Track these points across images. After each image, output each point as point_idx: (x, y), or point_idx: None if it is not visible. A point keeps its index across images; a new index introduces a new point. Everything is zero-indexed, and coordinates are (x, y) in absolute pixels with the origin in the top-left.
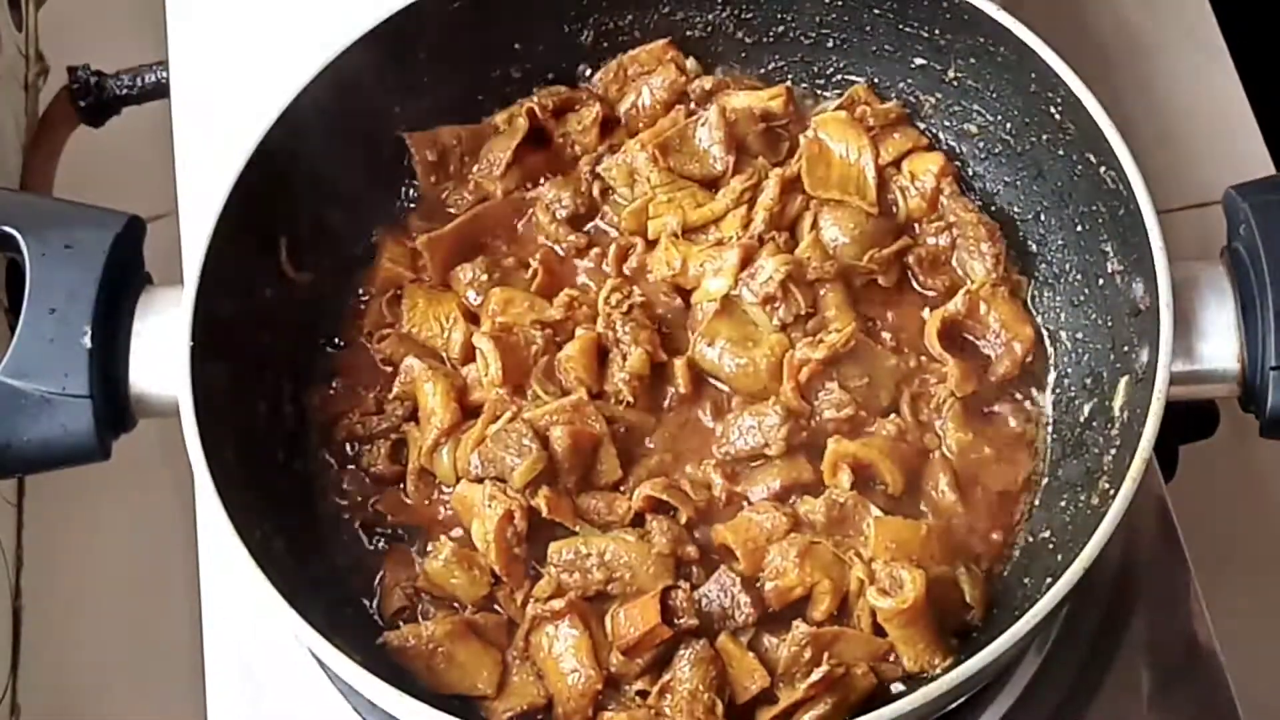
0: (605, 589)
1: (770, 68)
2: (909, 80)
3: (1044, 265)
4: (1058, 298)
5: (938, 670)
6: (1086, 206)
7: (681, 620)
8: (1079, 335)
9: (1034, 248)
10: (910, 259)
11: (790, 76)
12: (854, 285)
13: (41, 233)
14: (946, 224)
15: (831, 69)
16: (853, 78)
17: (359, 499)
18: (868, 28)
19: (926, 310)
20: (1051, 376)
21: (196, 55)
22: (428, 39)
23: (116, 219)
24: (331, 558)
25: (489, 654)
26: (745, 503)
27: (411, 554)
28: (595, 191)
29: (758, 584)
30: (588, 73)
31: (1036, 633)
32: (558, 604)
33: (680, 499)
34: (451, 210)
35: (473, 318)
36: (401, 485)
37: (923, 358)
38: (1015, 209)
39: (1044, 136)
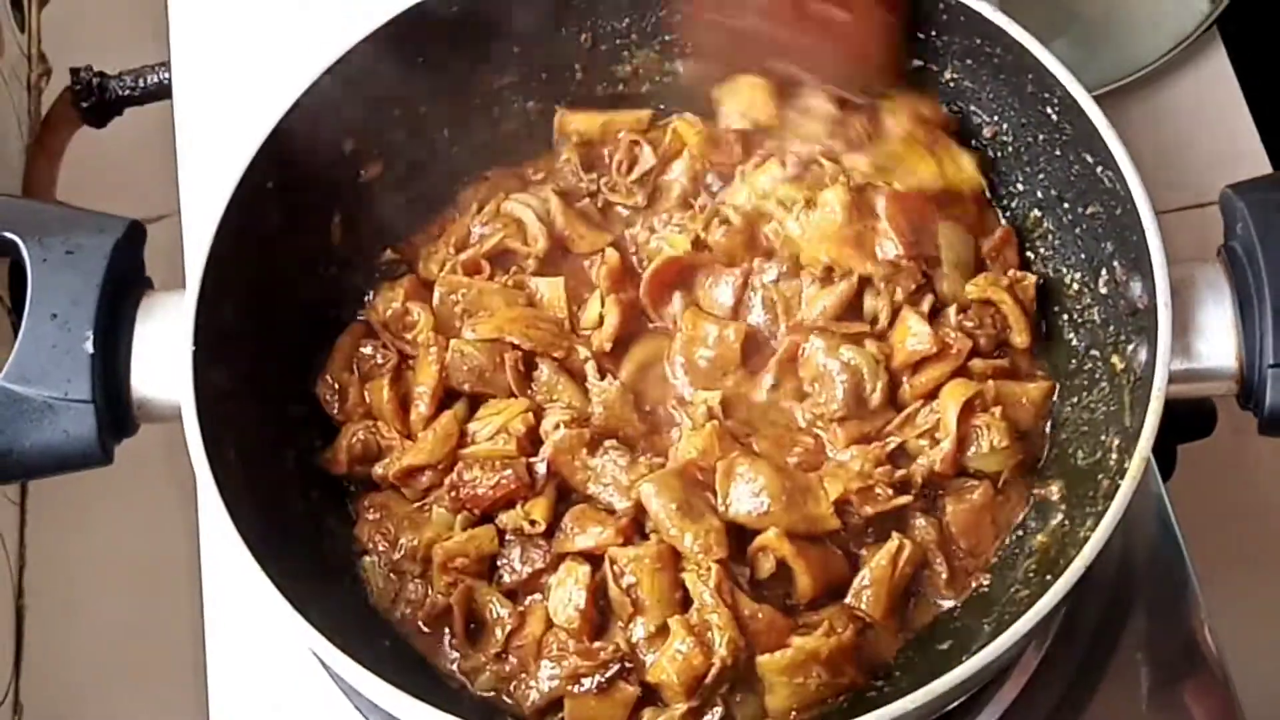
0: None
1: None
2: (908, 81)
3: (1042, 265)
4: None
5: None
6: (1084, 207)
7: None
8: None
9: (1032, 248)
10: None
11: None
12: None
13: (43, 238)
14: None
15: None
16: None
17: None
18: None
19: None
20: None
21: (199, 56)
22: (432, 40)
23: (117, 224)
24: (333, 558)
25: None
26: None
27: None
28: None
29: None
30: None
31: (1036, 632)
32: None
33: None
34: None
35: None
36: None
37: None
38: (1013, 209)
39: (1041, 137)
